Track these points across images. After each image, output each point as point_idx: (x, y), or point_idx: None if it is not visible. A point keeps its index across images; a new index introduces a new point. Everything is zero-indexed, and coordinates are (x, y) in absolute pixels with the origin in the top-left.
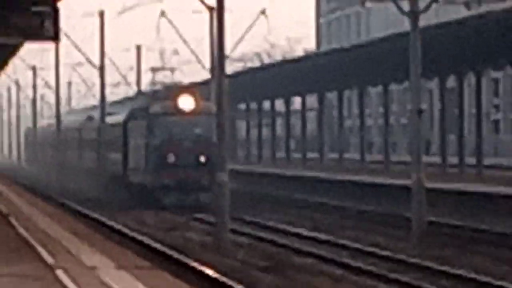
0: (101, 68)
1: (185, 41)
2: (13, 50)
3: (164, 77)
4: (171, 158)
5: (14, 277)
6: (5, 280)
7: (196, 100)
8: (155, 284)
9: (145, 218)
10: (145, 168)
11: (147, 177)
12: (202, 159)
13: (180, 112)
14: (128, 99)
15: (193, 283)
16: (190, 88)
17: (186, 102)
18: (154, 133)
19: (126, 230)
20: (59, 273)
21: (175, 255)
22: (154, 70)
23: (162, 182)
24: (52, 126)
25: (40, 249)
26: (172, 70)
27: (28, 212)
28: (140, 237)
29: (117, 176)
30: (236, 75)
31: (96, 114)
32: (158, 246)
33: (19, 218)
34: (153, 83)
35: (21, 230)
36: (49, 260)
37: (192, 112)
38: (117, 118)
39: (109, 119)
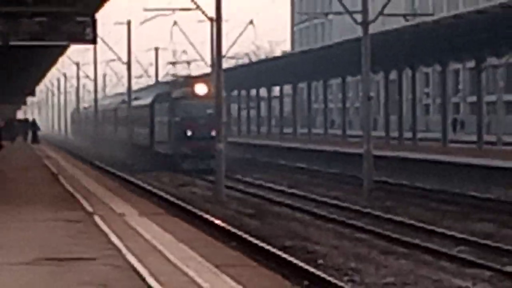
0: (128, 64)
1: (191, 44)
2: (62, 50)
3: (180, 69)
4: (189, 132)
5: (62, 221)
6: (57, 223)
7: (208, 87)
8: (168, 226)
9: (161, 178)
10: (168, 140)
11: (170, 147)
12: (213, 133)
13: (196, 96)
14: (148, 87)
15: (197, 226)
16: (203, 78)
17: (200, 89)
18: (176, 113)
19: (146, 186)
20: (96, 218)
21: (183, 205)
22: (173, 63)
23: (182, 151)
24: (92, 108)
25: (82, 200)
26: (189, 63)
27: (72, 173)
28: (157, 191)
29: (145, 146)
30: (230, 69)
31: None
32: (170, 198)
33: (66, 177)
34: (173, 75)
35: (68, 186)
36: (89, 208)
37: (205, 96)
38: (145, 101)
39: (137, 102)
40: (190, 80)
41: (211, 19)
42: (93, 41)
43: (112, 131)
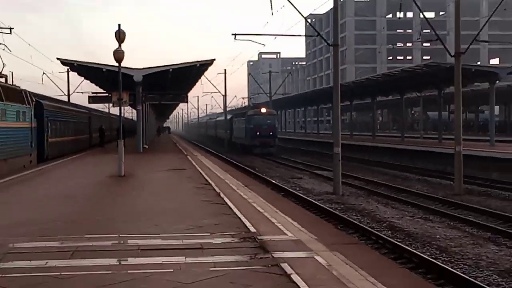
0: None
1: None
2: (178, 103)
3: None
4: (258, 133)
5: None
6: (197, 196)
7: (267, 108)
8: (276, 203)
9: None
10: (244, 137)
11: (246, 140)
12: (271, 133)
13: (261, 113)
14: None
15: (297, 205)
16: (264, 104)
17: (263, 109)
18: (250, 123)
19: (263, 176)
20: (222, 195)
21: (296, 192)
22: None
23: (254, 143)
24: (199, 121)
25: (208, 179)
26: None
27: (186, 147)
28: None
29: (227, 139)
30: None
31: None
32: (283, 186)
33: (185, 149)
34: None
35: (188, 156)
36: (216, 189)
37: (266, 113)
38: (226, 118)
39: (221, 118)
40: (258, 105)
41: (222, 94)
42: (186, 102)
43: (212, 132)
